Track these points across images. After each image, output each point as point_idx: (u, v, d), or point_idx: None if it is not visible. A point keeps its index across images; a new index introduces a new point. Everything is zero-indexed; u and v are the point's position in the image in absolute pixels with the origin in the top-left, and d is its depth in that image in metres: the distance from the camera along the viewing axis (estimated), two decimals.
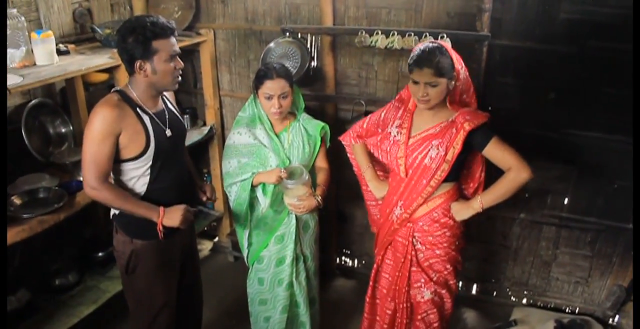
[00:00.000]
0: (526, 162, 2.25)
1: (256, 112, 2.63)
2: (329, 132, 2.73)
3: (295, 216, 2.65)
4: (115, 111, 2.01)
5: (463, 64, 2.28)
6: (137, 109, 2.10)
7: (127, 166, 2.13)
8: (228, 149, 2.66)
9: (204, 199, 2.56)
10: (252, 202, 2.65)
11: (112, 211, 2.27)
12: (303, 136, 2.64)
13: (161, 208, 2.13)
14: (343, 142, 2.75)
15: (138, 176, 2.15)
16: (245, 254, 2.81)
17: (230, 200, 2.69)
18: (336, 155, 2.88)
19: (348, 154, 2.80)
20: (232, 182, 2.62)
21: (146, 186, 2.18)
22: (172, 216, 2.13)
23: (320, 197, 2.59)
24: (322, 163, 2.75)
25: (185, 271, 2.48)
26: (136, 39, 1.98)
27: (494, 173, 2.35)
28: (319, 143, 2.68)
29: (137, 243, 2.24)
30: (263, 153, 2.58)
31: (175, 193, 2.27)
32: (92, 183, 2.04)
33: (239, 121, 2.68)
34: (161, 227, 2.13)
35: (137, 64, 2.02)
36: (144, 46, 1.99)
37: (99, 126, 2.00)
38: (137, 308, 2.40)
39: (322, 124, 2.69)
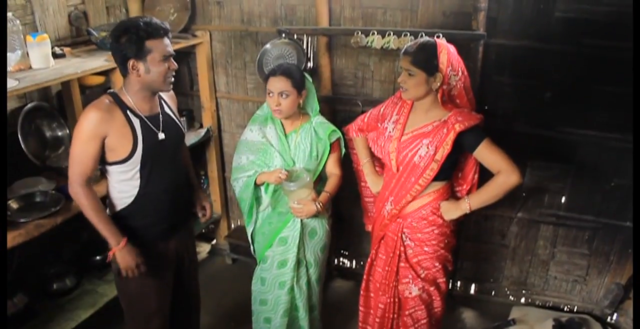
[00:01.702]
0: (516, 166, 2.25)
1: (269, 111, 2.66)
2: (342, 137, 2.70)
3: (301, 220, 2.65)
4: (102, 114, 2.03)
5: (459, 72, 2.27)
6: (128, 111, 2.10)
7: (115, 169, 2.14)
8: (240, 144, 2.73)
9: (199, 215, 2.60)
10: (258, 200, 2.71)
11: (108, 212, 2.27)
12: (312, 139, 2.62)
13: (124, 240, 2.15)
14: (346, 136, 2.76)
15: (127, 179, 2.15)
16: (252, 249, 2.85)
17: (235, 192, 2.76)
18: None
19: (350, 149, 2.81)
20: (238, 177, 2.69)
21: (137, 189, 2.18)
22: (126, 255, 2.16)
23: (321, 204, 2.57)
24: (333, 169, 2.72)
25: (181, 277, 2.47)
26: (129, 39, 1.99)
27: (488, 175, 2.35)
28: (328, 147, 2.65)
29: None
30: (269, 152, 2.61)
31: (168, 199, 2.27)
32: (72, 182, 2.09)
33: (254, 119, 2.73)
34: (111, 255, 2.18)
35: (130, 63, 2.03)
36: (137, 46, 1.99)
37: (85, 127, 2.02)
38: (130, 312, 2.40)
39: (333, 128, 2.66)
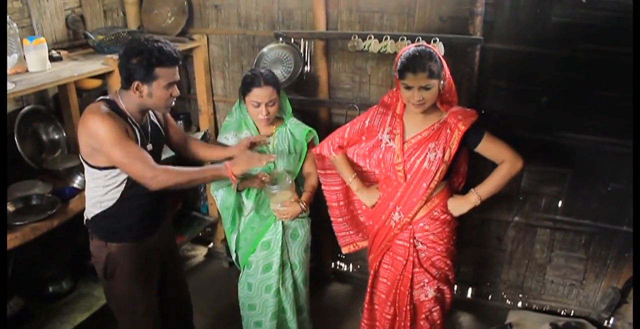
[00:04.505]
0: (518, 152, 2.31)
1: (242, 116, 2.64)
2: (317, 137, 2.72)
3: (283, 223, 2.65)
4: (113, 115, 2.02)
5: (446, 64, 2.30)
6: (128, 119, 2.10)
7: (105, 174, 2.12)
8: None
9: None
10: (240, 206, 2.68)
11: (85, 217, 2.28)
12: (289, 141, 2.64)
13: (226, 163, 2.20)
14: (315, 156, 2.71)
15: (113, 184, 2.15)
16: (234, 257, 2.83)
17: (217, 204, 2.73)
18: None
19: (317, 169, 2.75)
20: (219, 187, 2.66)
21: (119, 194, 2.17)
22: (238, 162, 2.20)
23: (304, 203, 2.60)
24: (310, 168, 2.74)
25: (166, 274, 2.48)
26: (140, 62, 2.00)
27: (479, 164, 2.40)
28: (305, 148, 2.68)
29: (111, 246, 2.24)
30: None
31: (149, 201, 2.26)
32: (149, 174, 2.03)
33: (226, 126, 2.69)
34: (234, 178, 2.19)
35: (135, 84, 2.04)
36: (146, 71, 2.00)
37: (111, 128, 1.98)
38: (120, 314, 2.41)
39: (309, 128, 2.68)
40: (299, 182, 2.73)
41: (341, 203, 2.79)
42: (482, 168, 2.41)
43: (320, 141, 2.70)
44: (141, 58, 1.99)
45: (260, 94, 2.48)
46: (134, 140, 2.08)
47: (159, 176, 2.04)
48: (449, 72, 2.31)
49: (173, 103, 2.18)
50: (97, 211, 2.22)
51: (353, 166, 2.63)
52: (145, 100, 2.08)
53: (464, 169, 2.57)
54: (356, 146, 2.56)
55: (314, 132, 2.70)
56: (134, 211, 2.23)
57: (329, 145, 2.60)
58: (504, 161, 2.32)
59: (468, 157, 2.52)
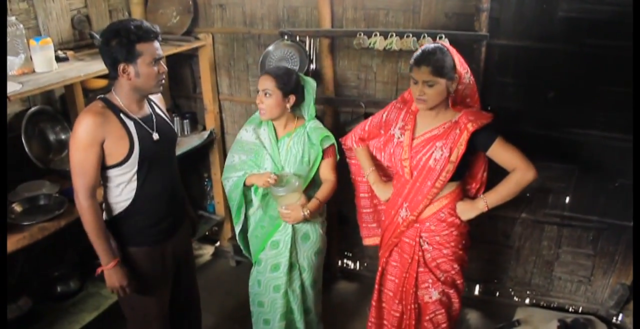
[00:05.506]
0: (531, 162, 2.25)
1: None
2: (336, 143, 2.66)
3: (293, 225, 2.64)
4: (98, 118, 2.01)
5: (468, 68, 2.26)
6: (121, 114, 2.10)
7: (113, 173, 2.12)
8: (235, 143, 2.72)
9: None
10: (252, 202, 2.70)
11: (105, 216, 2.27)
12: (305, 144, 2.60)
13: (115, 260, 2.15)
14: (343, 147, 2.75)
15: (125, 182, 2.15)
16: (241, 247, 2.89)
17: (225, 191, 2.76)
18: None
19: (347, 159, 2.79)
20: (229, 176, 2.70)
21: (134, 191, 2.17)
22: (112, 276, 2.17)
23: (308, 211, 2.55)
24: (327, 175, 2.68)
25: (180, 279, 2.48)
26: (120, 42, 1.99)
27: (500, 172, 2.35)
28: (320, 154, 2.61)
29: (129, 250, 2.25)
30: (261, 154, 2.61)
31: (165, 199, 2.27)
32: (78, 195, 2.06)
33: (251, 120, 2.73)
34: (99, 271, 2.18)
35: (121, 67, 2.03)
36: (127, 49, 1.99)
37: (83, 134, 2.00)
38: (131, 315, 2.40)
39: (326, 133, 2.61)
40: (315, 186, 2.70)
41: (367, 195, 2.80)
42: (500, 176, 2.38)
43: (341, 148, 2.72)
44: (120, 38, 1.99)
45: (260, 81, 2.53)
46: (126, 137, 2.08)
47: (81, 207, 2.09)
48: (470, 79, 2.28)
49: (163, 81, 2.15)
50: (115, 212, 2.21)
51: (374, 159, 2.65)
52: (134, 81, 2.06)
53: (483, 176, 2.51)
54: (376, 140, 2.58)
55: (332, 138, 2.64)
56: (150, 211, 2.23)
57: (353, 137, 2.65)
58: (514, 170, 2.27)
59: (488, 164, 2.47)
